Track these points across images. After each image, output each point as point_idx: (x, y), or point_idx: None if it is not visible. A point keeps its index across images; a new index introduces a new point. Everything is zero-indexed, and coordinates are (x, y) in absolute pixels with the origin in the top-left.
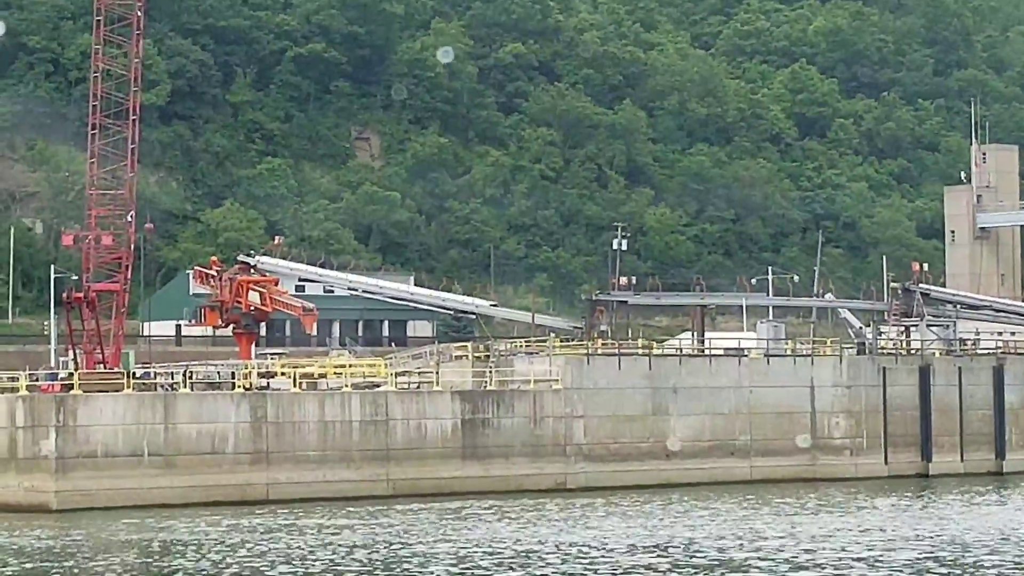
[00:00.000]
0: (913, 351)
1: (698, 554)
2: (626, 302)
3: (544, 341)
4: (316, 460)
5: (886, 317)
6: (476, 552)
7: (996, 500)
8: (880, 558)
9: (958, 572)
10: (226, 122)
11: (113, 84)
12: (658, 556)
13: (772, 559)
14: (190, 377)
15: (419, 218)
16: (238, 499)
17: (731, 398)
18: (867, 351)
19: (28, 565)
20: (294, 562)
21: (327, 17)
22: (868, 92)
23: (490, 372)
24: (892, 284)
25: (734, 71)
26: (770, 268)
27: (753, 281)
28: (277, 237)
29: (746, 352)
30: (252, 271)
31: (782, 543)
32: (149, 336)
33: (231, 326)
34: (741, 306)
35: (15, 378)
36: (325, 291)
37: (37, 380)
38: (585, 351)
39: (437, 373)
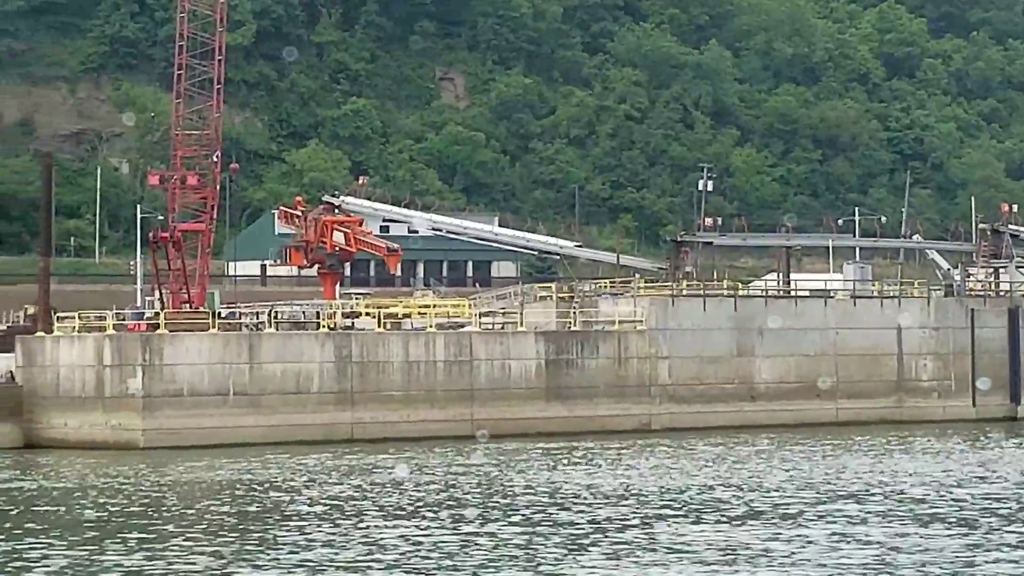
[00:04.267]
0: (1002, 293)
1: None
2: (711, 243)
3: (629, 282)
4: (400, 400)
5: (974, 258)
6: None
7: None
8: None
9: None
10: (311, 62)
11: (199, 24)
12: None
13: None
14: (275, 317)
15: (503, 159)
16: (322, 439)
17: (817, 340)
18: (955, 293)
19: (121, 501)
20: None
21: None
22: (957, 31)
23: (574, 313)
24: (980, 225)
25: (821, 10)
26: (857, 209)
27: (840, 222)
28: (362, 177)
29: (832, 293)
30: (337, 211)
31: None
32: (234, 276)
33: (316, 266)
34: (827, 247)
35: (102, 317)
36: (409, 231)
37: (124, 319)
38: (670, 292)
39: (521, 313)
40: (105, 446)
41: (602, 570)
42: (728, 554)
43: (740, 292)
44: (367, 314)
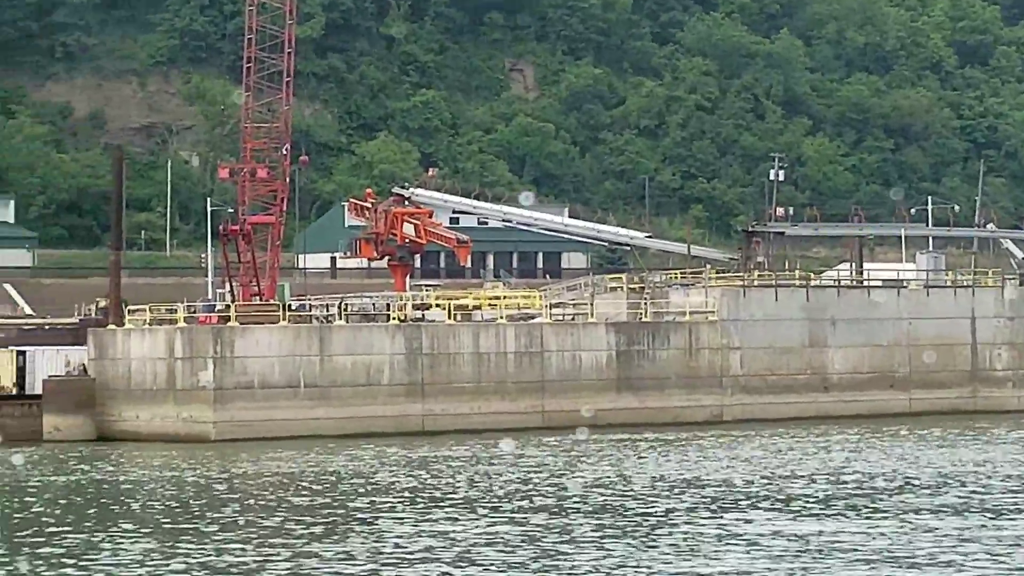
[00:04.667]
0: None
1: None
2: (783, 233)
3: (700, 272)
4: (471, 392)
5: None
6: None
7: None
8: None
9: None
10: (380, 54)
11: (268, 17)
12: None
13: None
14: (345, 309)
15: (573, 149)
16: (393, 430)
17: (890, 329)
18: None
19: (192, 493)
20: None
21: None
22: None
23: (645, 304)
24: None
25: None
26: (930, 198)
27: (912, 211)
28: (431, 169)
29: (905, 283)
30: (407, 203)
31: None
32: (304, 268)
33: (386, 258)
34: (900, 236)
35: (173, 310)
36: (479, 223)
37: (194, 312)
38: (741, 282)
39: (592, 305)
40: (176, 439)
41: None
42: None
43: (812, 282)
44: (437, 306)
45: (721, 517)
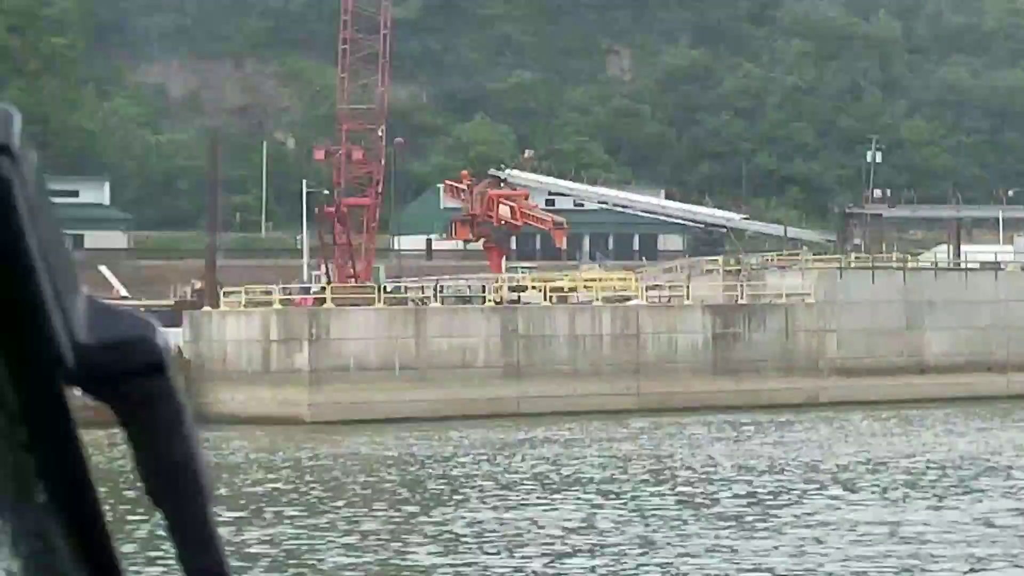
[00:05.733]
0: None
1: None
2: (880, 215)
3: (796, 255)
4: (566, 374)
5: None
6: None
7: None
8: None
9: None
10: (476, 35)
11: None
12: None
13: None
14: (441, 291)
15: (670, 131)
16: (488, 412)
17: (987, 312)
18: None
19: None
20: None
21: None
22: None
23: (741, 286)
24: None
25: None
26: None
27: (1011, 193)
28: (527, 151)
29: (1003, 265)
30: (502, 185)
31: None
32: (400, 250)
33: (482, 240)
34: (998, 219)
35: (268, 292)
36: (575, 205)
37: (290, 294)
38: (838, 265)
39: (688, 287)
40: (271, 420)
41: None
42: None
43: (909, 265)
44: (533, 288)
45: None
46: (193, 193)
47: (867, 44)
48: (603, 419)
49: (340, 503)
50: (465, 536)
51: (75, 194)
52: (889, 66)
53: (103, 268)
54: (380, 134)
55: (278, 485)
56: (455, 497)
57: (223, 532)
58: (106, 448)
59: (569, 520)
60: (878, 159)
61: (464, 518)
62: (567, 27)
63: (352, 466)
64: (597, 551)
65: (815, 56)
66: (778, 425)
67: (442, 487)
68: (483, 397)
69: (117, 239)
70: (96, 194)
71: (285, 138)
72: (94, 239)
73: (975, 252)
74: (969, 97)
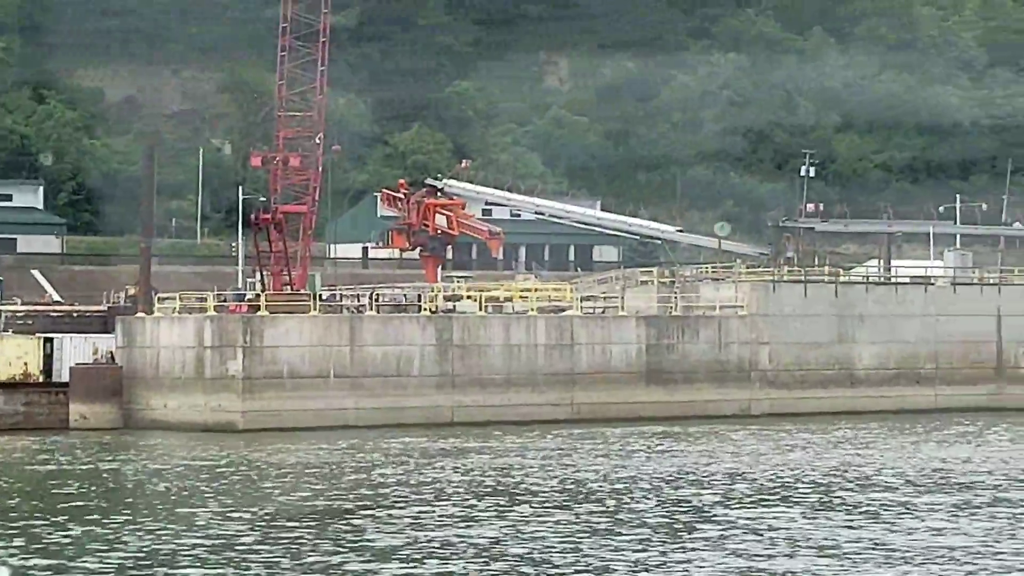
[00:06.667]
0: None
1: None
2: (813, 229)
3: (730, 267)
4: (501, 383)
5: None
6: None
7: None
8: None
9: None
10: (416, 44)
11: (303, 6)
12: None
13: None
14: (376, 300)
15: (607, 143)
16: (422, 421)
17: (917, 326)
18: None
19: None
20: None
21: None
22: None
23: (675, 297)
24: None
25: None
26: (958, 196)
27: (941, 209)
28: (465, 161)
29: (933, 280)
30: (439, 194)
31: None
32: (336, 258)
33: (418, 249)
34: (928, 234)
35: (203, 298)
36: (512, 215)
37: (225, 301)
38: (771, 278)
39: (622, 298)
40: (205, 427)
41: None
42: None
43: (841, 278)
44: (468, 297)
45: None
46: (128, 198)
47: (802, 59)
48: (537, 429)
49: (264, 510)
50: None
51: (8, 198)
52: (823, 81)
53: (36, 272)
54: (317, 142)
55: (199, 491)
56: (376, 506)
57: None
58: (37, 454)
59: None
60: (812, 173)
61: (380, 529)
62: (506, 37)
63: (279, 473)
64: (519, 563)
65: (751, 70)
66: (707, 436)
67: (365, 495)
68: (417, 406)
69: (51, 243)
70: (30, 198)
71: (222, 144)
72: (27, 243)
73: (906, 267)
74: (902, 113)
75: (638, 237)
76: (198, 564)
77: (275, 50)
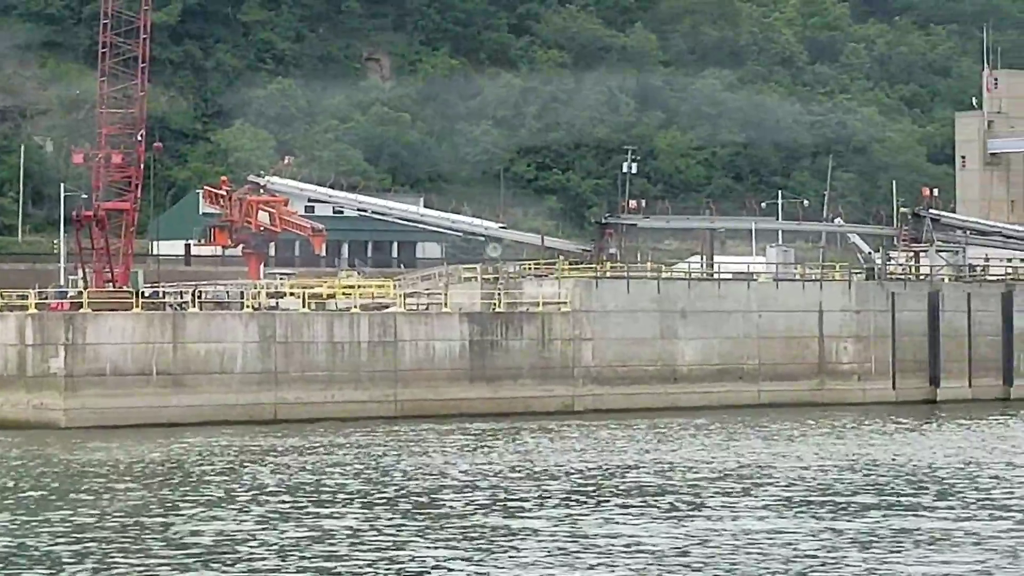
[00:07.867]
0: (922, 277)
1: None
2: (635, 225)
3: (553, 263)
4: (324, 380)
5: (896, 242)
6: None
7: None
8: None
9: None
10: (237, 41)
11: (124, 2)
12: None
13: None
14: (199, 296)
15: (429, 140)
16: (246, 419)
17: (739, 322)
18: (876, 276)
19: (51, 483)
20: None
21: None
22: (880, 16)
23: (499, 294)
24: (902, 209)
25: None
26: (780, 192)
27: (763, 205)
28: (287, 157)
29: (755, 276)
30: (262, 191)
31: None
32: (158, 255)
33: (240, 246)
34: (750, 230)
35: (24, 296)
36: (334, 212)
37: (46, 298)
38: (594, 274)
39: (446, 295)
40: (27, 425)
41: None
42: None
43: (663, 274)
44: (291, 294)
45: None
46: None
47: (623, 56)
48: (360, 426)
49: (86, 508)
50: (193, 545)
51: None
52: (645, 78)
53: None
54: (139, 138)
55: (18, 489)
56: (193, 503)
57: None
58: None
59: (293, 532)
60: (634, 169)
61: (196, 529)
62: (327, 34)
63: (100, 471)
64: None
65: (572, 67)
66: (529, 432)
67: (185, 494)
68: (240, 403)
69: None
70: None
71: (44, 141)
72: None
73: (728, 263)
74: (723, 109)
75: (461, 234)
76: None
77: (97, 47)
